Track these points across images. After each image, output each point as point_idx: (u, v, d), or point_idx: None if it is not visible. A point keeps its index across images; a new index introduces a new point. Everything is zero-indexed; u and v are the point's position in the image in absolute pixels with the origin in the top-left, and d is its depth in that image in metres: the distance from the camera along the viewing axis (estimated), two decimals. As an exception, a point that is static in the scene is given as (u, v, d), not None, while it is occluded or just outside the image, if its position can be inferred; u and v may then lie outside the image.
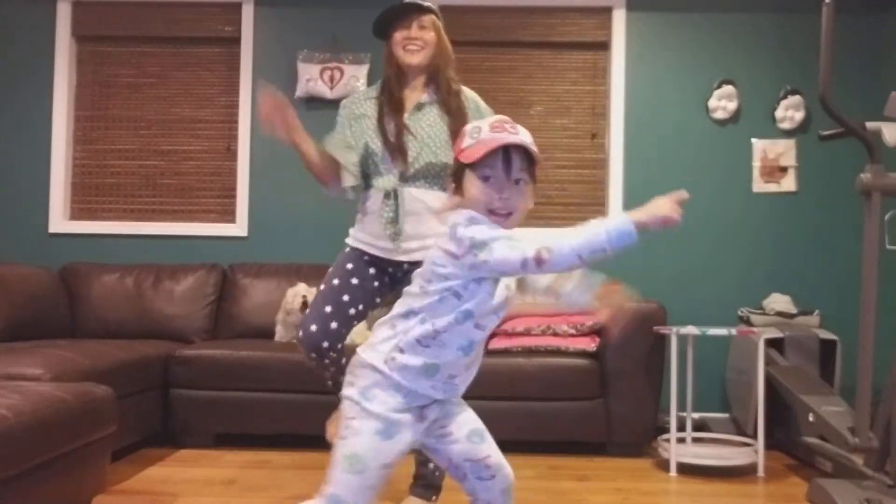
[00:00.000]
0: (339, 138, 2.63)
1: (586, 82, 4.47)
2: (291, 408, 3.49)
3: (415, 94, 2.54)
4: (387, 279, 2.55)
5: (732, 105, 4.33)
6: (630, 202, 4.37)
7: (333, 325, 2.42)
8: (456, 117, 2.48)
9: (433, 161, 2.47)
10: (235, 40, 4.46)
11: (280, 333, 3.85)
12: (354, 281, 2.49)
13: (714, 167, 4.37)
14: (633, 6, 4.39)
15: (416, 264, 2.45)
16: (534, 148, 1.49)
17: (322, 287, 2.51)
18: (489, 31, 4.46)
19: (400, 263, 2.50)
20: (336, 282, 2.49)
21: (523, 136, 1.49)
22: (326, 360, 2.45)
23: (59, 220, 4.43)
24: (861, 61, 4.27)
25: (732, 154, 4.36)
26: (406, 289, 1.60)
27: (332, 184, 2.66)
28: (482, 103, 2.64)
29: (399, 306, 1.57)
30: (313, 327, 2.41)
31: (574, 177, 4.41)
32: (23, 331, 3.63)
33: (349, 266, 2.51)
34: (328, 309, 2.44)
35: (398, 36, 2.50)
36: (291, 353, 3.52)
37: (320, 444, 3.49)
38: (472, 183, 1.49)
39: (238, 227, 4.42)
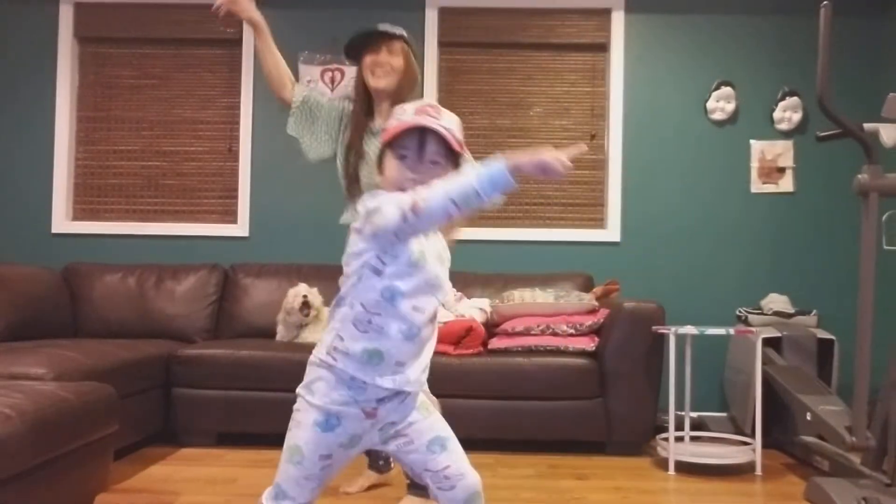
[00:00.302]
0: (319, 98, 2.74)
1: (585, 83, 4.49)
2: (292, 407, 3.50)
3: (380, 118, 2.60)
4: None
5: (731, 106, 4.34)
6: (629, 202, 4.38)
7: None
8: None
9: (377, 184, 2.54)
10: (237, 42, 4.48)
11: (281, 333, 3.87)
12: None
13: (712, 168, 4.38)
14: (632, 8, 4.41)
15: None
16: (449, 134, 1.48)
17: None
18: (489, 32, 4.48)
19: None
20: None
21: (444, 122, 1.49)
22: None
23: (62, 221, 4.45)
24: (858, 63, 4.28)
25: (731, 155, 4.38)
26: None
27: (279, 95, 2.80)
28: None
29: (333, 301, 1.58)
30: None
31: (573, 177, 4.42)
32: (25, 330, 3.65)
33: None
34: None
35: (367, 60, 2.57)
36: (292, 353, 3.54)
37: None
38: (388, 161, 1.52)
39: (239, 228, 4.44)
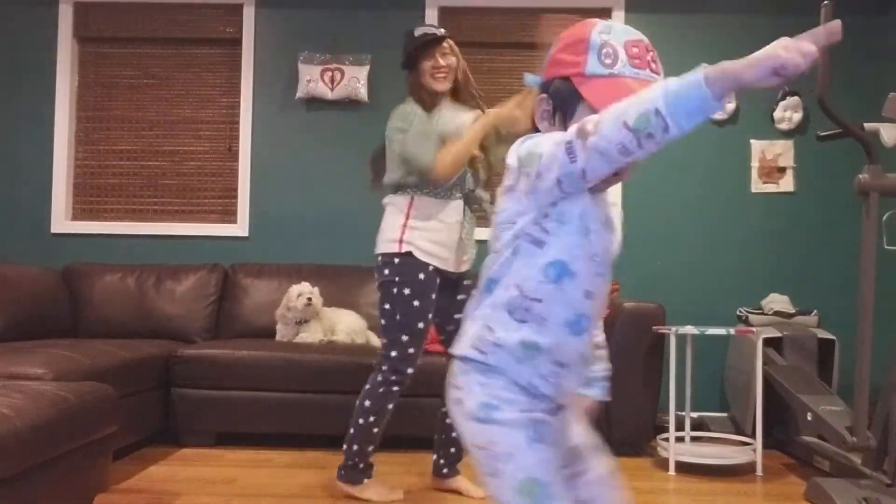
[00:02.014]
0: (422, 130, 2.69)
1: (586, 83, 4.48)
2: (292, 407, 3.51)
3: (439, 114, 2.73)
4: (443, 291, 2.71)
5: (731, 105, 4.33)
6: (629, 202, 4.38)
7: (422, 345, 2.68)
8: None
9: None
10: (237, 41, 4.48)
11: (280, 332, 3.87)
12: (433, 296, 2.66)
13: (713, 168, 4.38)
14: (631, 8, 4.41)
15: (466, 273, 2.72)
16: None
17: (410, 311, 2.62)
18: (489, 32, 4.47)
19: (454, 275, 2.72)
20: (421, 303, 2.62)
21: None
22: (405, 385, 2.68)
23: (62, 221, 4.45)
24: (859, 62, 4.27)
25: (731, 155, 4.37)
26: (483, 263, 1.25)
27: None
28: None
29: (479, 286, 1.20)
30: (411, 350, 2.63)
31: (574, 177, 4.41)
32: (25, 330, 3.64)
33: (433, 291, 2.66)
34: (421, 325, 2.64)
35: (426, 66, 2.70)
36: (292, 353, 3.54)
37: (321, 443, 3.52)
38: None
39: (239, 228, 4.44)
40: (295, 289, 3.82)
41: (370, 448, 2.71)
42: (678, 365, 3.33)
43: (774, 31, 4.14)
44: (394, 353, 2.62)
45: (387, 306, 2.63)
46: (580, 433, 1.24)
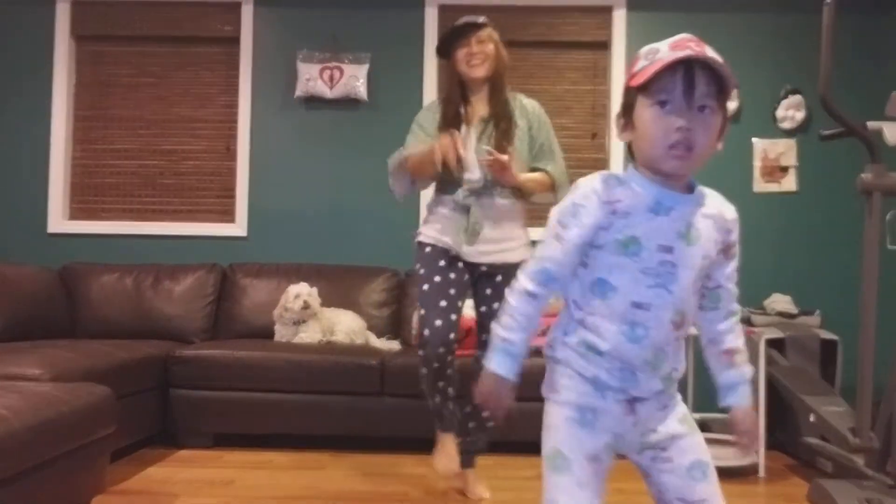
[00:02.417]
0: (418, 141, 2.74)
1: (586, 82, 4.47)
2: (291, 408, 3.49)
3: (479, 106, 2.71)
4: (469, 271, 2.71)
5: (733, 105, 4.32)
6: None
7: (453, 316, 2.60)
8: (503, 134, 2.65)
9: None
10: (235, 40, 4.46)
11: (279, 332, 3.85)
12: (452, 275, 2.65)
13: (715, 167, 4.31)
14: (633, 6, 4.39)
15: (494, 266, 2.66)
16: (724, 68, 1.19)
17: (425, 287, 2.63)
18: (489, 30, 4.46)
19: (477, 265, 2.68)
20: (438, 279, 2.63)
21: (711, 53, 1.20)
22: (450, 358, 2.59)
23: (59, 220, 4.43)
24: (862, 61, 4.27)
25: (733, 154, 4.35)
26: None
27: (419, 183, 2.83)
28: (542, 114, 2.79)
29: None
30: (438, 322, 2.56)
31: (575, 177, 4.37)
32: (22, 331, 3.62)
33: (442, 262, 2.66)
34: (443, 303, 2.59)
35: (461, 53, 2.68)
36: (291, 354, 3.52)
37: (320, 444, 3.50)
38: (644, 112, 1.23)
39: (237, 227, 4.42)
40: (293, 290, 3.80)
41: (438, 421, 2.73)
42: (680, 365, 3.31)
43: (774, 31, 4.15)
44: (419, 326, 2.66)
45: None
46: (674, 425, 1.34)
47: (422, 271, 2.67)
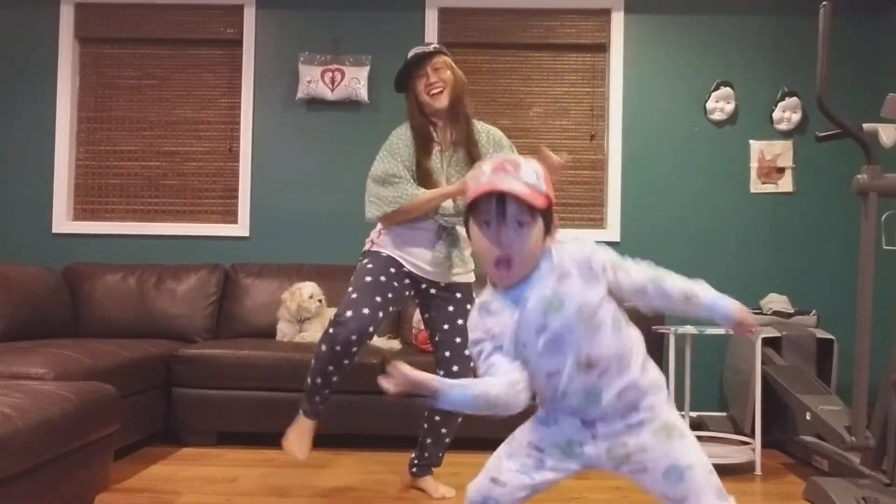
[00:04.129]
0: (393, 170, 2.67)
1: (585, 84, 4.49)
2: (293, 406, 3.49)
3: (445, 133, 2.70)
4: (416, 289, 2.70)
5: (730, 106, 4.35)
6: (628, 203, 4.39)
7: (380, 314, 2.56)
8: (472, 158, 2.63)
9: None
10: (237, 42, 4.49)
11: (282, 330, 3.88)
12: (395, 284, 2.63)
13: (712, 168, 4.38)
14: (631, 8, 4.42)
15: (454, 285, 2.68)
16: (529, 192, 1.36)
17: (367, 278, 2.60)
18: (489, 33, 4.48)
19: (435, 283, 2.69)
20: (383, 279, 2.61)
21: (524, 177, 1.37)
22: (355, 349, 2.54)
23: (63, 221, 4.46)
24: (858, 63, 4.29)
25: (730, 155, 4.38)
26: None
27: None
28: (502, 138, 2.77)
29: None
30: (366, 310, 2.52)
31: (573, 177, 4.43)
32: (26, 330, 3.65)
33: (392, 270, 2.64)
34: (378, 299, 2.56)
35: (420, 84, 2.65)
36: (293, 353, 3.55)
37: (321, 442, 3.51)
38: (473, 230, 1.43)
39: (240, 228, 4.45)
40: (307, 289, 3.84)
41: (308, 402, 2.68)
42: (677, 365, 3.34)
43: (771, 33, 4.16)
44: (340, 306, 2.58)
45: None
46: (647, 438, 1.44)
47: (369, 265, 2.64)
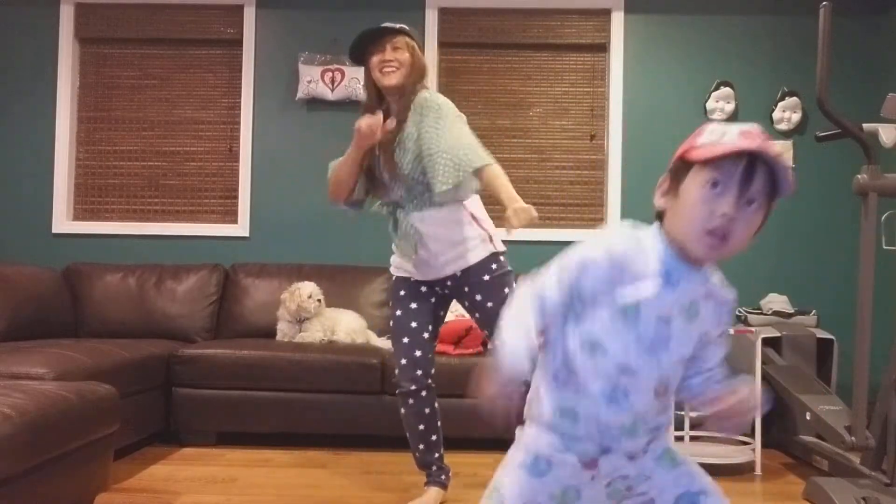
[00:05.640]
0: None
1: (585, 84, 4.49)
2: (293, 407, 3.52)
3: (392, 116, 2.55)
4: (439, 293, 2.63)
5: (730, 106, 4.35)
6: (628, 203, 4.39)
7: (417, 353, 2.55)
8: (419, 132, 2.48)
9: (414, 181, 2.53)
10: (237, 42, 4.49)
11: (282, 330, 3.88)
12: (413, 305, 2.59)
13: (713, 168, 4.38)
14: (631, 8, 4.41)
15: (459, 274, 2.52)
16: (787, 172, 1.17)
17: (391, 322, 2.63)
18: (489, 33, 4.48)
19: (441, 279, 2.57)
20: (399, 313, 2.60)
21: (777, 152, 1.18)
22: (424, 392, 2.55)
23: (63, 221, 4.46)
24: (858, 63, 4.29)
25: (731, 155, 4.38)
26: None
27: (349, 198, 2.74)
28: (428, 101, 2.54)
29: None
30: (403, 361, 2.55)
31: (573, 177, 4.43)
32: (26, 330, 3.65)
33: (402, 293, 2.61)
34: (405, 340, 2.56)
35: (374, 60, 2.53)
36: (293, 353, 3.55)
37: (321, 442, 3.53)
38: (693, 186, 1.18)
39: (240, 228, 4.45)
40: (306, 288, 3.84)
41: (417, 454, 2.66)
42: (677, 365, 3.33)
43: (771, 33, 4.16)
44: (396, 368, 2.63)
45: None
46: (649, 465, 1.31)
47: (390, 303, 2.66)
